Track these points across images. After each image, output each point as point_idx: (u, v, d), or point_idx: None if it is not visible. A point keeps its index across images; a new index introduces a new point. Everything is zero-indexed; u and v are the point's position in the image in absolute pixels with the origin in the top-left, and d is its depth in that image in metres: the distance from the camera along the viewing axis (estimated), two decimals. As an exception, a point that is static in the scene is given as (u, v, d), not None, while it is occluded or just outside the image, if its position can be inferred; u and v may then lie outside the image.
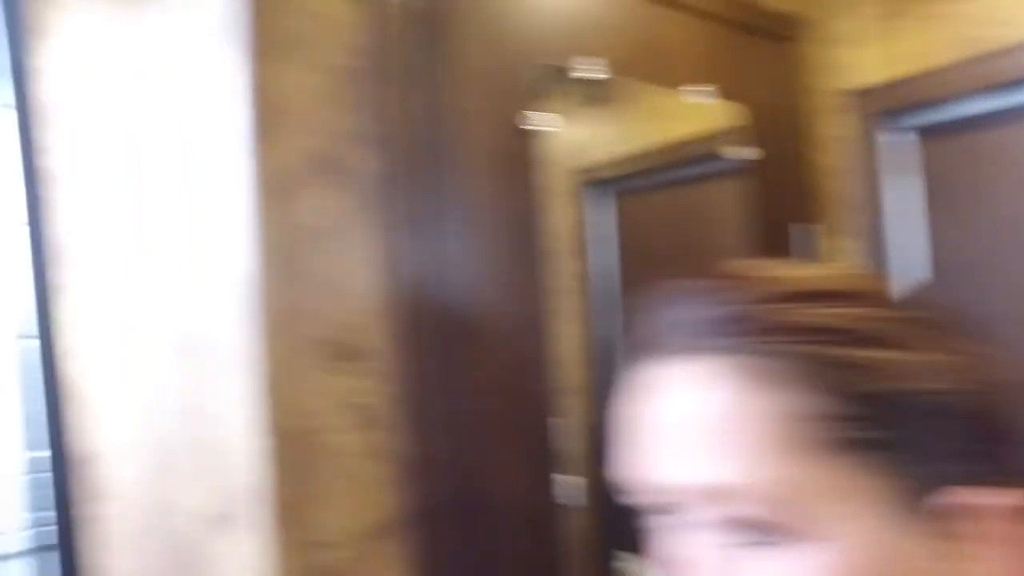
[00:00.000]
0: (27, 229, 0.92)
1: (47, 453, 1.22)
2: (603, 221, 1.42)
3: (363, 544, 0.87)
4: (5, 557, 1.38)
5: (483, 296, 0.95)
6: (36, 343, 1.20)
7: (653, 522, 0.36)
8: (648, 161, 1.44)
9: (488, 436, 0.96)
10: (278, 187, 0.79)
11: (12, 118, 0.91)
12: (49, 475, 1.26)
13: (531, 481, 1.00)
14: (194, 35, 0.83)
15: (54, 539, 1.20)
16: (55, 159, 0.95)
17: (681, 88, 1.21)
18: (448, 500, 0.93)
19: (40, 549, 1.24)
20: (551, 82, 1.01)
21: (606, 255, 1.41)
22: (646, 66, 1.16)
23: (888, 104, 1.41)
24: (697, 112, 1.28)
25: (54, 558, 1.11)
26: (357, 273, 0.85)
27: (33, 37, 0.94)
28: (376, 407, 0.87)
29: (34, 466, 1.41)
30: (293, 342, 0.81)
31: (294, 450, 0.82)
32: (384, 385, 0.87)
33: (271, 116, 0.78)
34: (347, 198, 0.84)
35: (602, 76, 1.07)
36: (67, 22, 0.96)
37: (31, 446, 1.40)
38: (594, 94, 1.16)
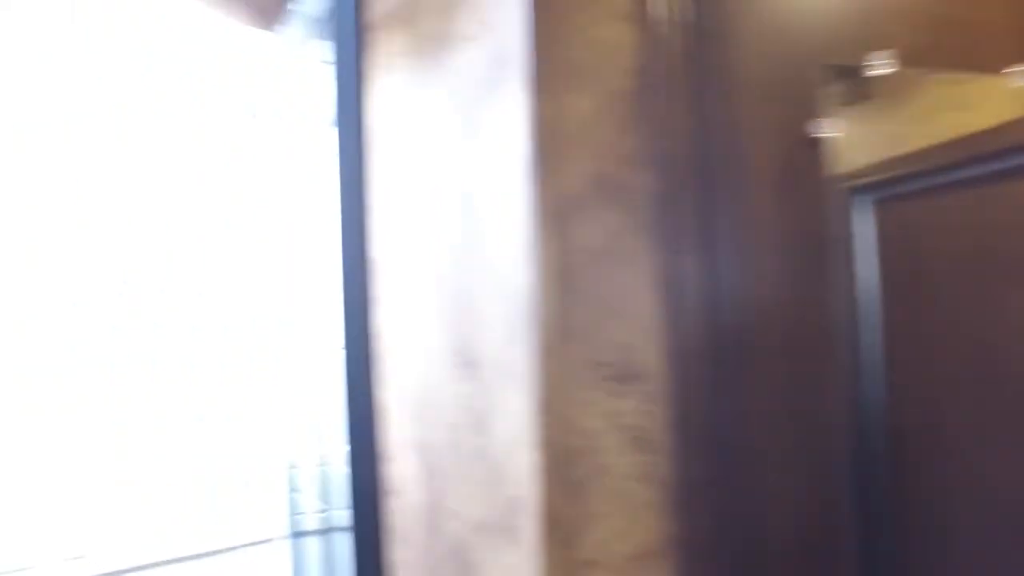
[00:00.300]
0: (341, 251, 1.06)
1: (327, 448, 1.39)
2: (864, 231, 1.27)
3: (629, 567, 0.86)
4: (306, 533, 1.60)
5: (764, 317, 0.89)
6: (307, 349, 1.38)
7: None
8: (929, 160, 1.25)
9: (765, 464, 0.90)
10: (558, 210, 0.81)
11: (335, 160, 1.05)
12: (325, 467, 1.44)
13: (811, 516, 0.92)
14: (480, 74, 0.90)
15: (336, 523, 1.36)
16: (372, 193, 1.09)
17: (989, 72, 1.04)
18: (718, 528, 0.88)
19: (328, 531, 1.42)
20: (835, 83, 0.93)
21: (866, 269, 1.26)
22: (945, 51, 1.01)
23: None
24: (1008, 98, 1.09)
25: (340, 540, 1.27)
26: (634, 294, 0.84)
27: (359, 93, 1.09)
28: (649, 429, 0.85)
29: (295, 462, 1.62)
30: (569, 361, 0.83)
31: (565, 467, 0.84)
32: (658, 407, 0.86)
33: (552, 142, 0.81)
34: (625, 219, 0.84)
35: (891, 70, 0.95)
36: (383, 78, 1.10)
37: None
38: (872, 91, 1.04)
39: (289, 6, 1.44)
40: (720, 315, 0.88)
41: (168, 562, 1.48)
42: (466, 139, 0.93)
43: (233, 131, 1.55)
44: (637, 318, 0.85)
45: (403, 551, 1.13)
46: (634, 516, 0.86)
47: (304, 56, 1.38)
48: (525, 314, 0.82)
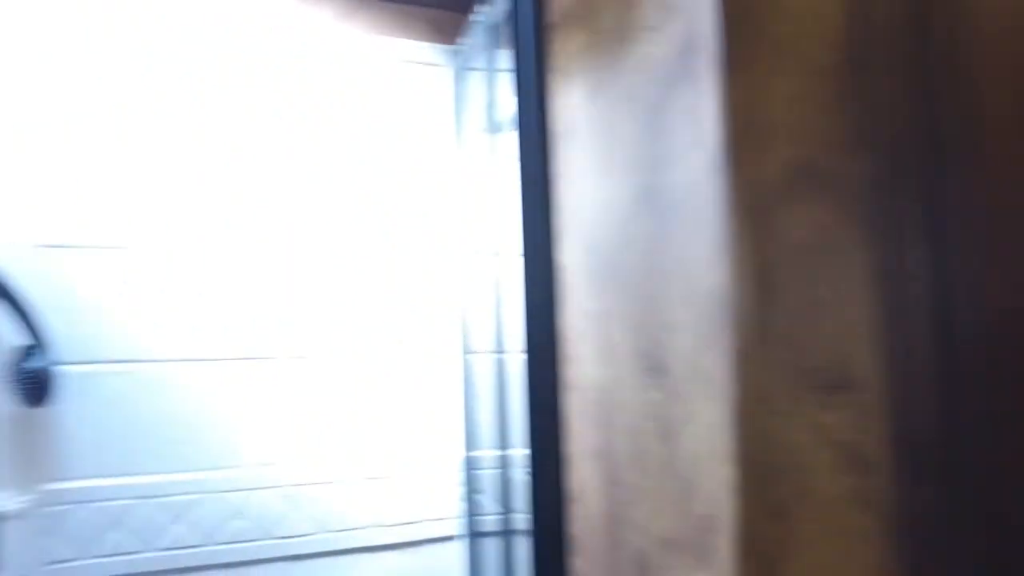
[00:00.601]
0: (523, 255, 1.06)
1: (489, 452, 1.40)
2: None
3: (842, 604, 0.76)
4: (483, 535, 1.64)
5: (1009, 316, 0.75)
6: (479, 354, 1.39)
7: None
8: None
9: (1018, 494, 0.75)
10: (756, 203, 0.74)
11: (516, 164, 1.06)
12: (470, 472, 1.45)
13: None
14: (666, 64, 0.85)
15: (514, 527, 1.37)
16: (556, 196, 1.09)
17: None
18: (953, 569, 0.76)
19: (506, 534, 1.43)
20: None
21: None
22: None
23: None
24: None
25: (518, 544, 1.27)
26: (847, 292, 0.75)
27: (540, 95, 1.10)
28: (865, 447, 0.75)
29: (471, 463, 1.65)
30: (769, 368, 0.75)
31: (766, 486, 0.76)
32: (876, 422, 0.75)
33: (748, 129, 0.74)
34: (836, 209, 0.75)
35: None
36: (561, 79, 1.10)
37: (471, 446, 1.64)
38: None
39: (471, 17, 1.49)
40: (953, 315, 0.75)
41: (343, 552, 1.58)
42: (651, 134, 0.89)
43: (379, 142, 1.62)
44: (850, 320, 0.75)
45: (581, 560, 1.10)
46: (848, 546, 0.76)
47: (477, 65, 1.43)
48: (719, 316, 0.76)
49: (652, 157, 0.89)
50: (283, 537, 1.54)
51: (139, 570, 1.45)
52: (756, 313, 0.75)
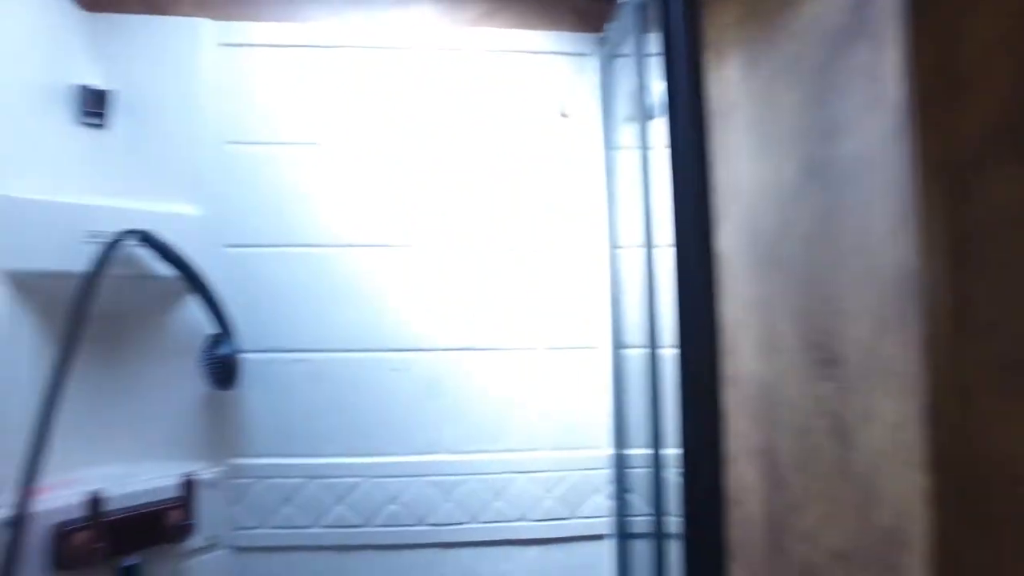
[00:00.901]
0: (676, 244, 1.01)
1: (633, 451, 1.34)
2: None
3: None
4: (633, 536, 1.59)
5: None
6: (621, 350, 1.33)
7: None
8: None
9: None
10: (950, 166, 0.64)
11: (668, 150, 1.01)
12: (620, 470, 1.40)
13: None
14: (834, 25, 0.77)
15: (667, 529, 1.30)
16: (713, 182, 1.03)
17: None
18: None
19: (658, 536, 1.37)
20: None
21: None
22: None
23: None
24: None
25: (671, 547, 1.20)
26: (1074, 269, 0.63)
27: (694, 75, 1.05)
28: (1103, 458, 0.62)
29: (622, 461, 1.59)
30: (969, 358, 0.65)
31: (968, 498, 0.65)
32: (1117, 428, 0.62)
33: (940, 83, 0.65)
34: (1057, 169, 0.63)
35: None
36: (714, 57, 1.04)
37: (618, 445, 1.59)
38: None
39: (617, 1, 1.46)
40: None
41: (492, 543, 1.59)
42: (818, 102, 0.81)
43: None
44: (1079, 303, 0.63)
45: (739, 568, 1.02)
46: (1081, 576, 0.63)
47: (624, 51, 1.39)
48: (904, 298, 0.67)
49: (820, 126, 0.80)
50: (435, 524, 1.59)
51: (307, 544, 1.57)
52: (950, 293, 0.64)
